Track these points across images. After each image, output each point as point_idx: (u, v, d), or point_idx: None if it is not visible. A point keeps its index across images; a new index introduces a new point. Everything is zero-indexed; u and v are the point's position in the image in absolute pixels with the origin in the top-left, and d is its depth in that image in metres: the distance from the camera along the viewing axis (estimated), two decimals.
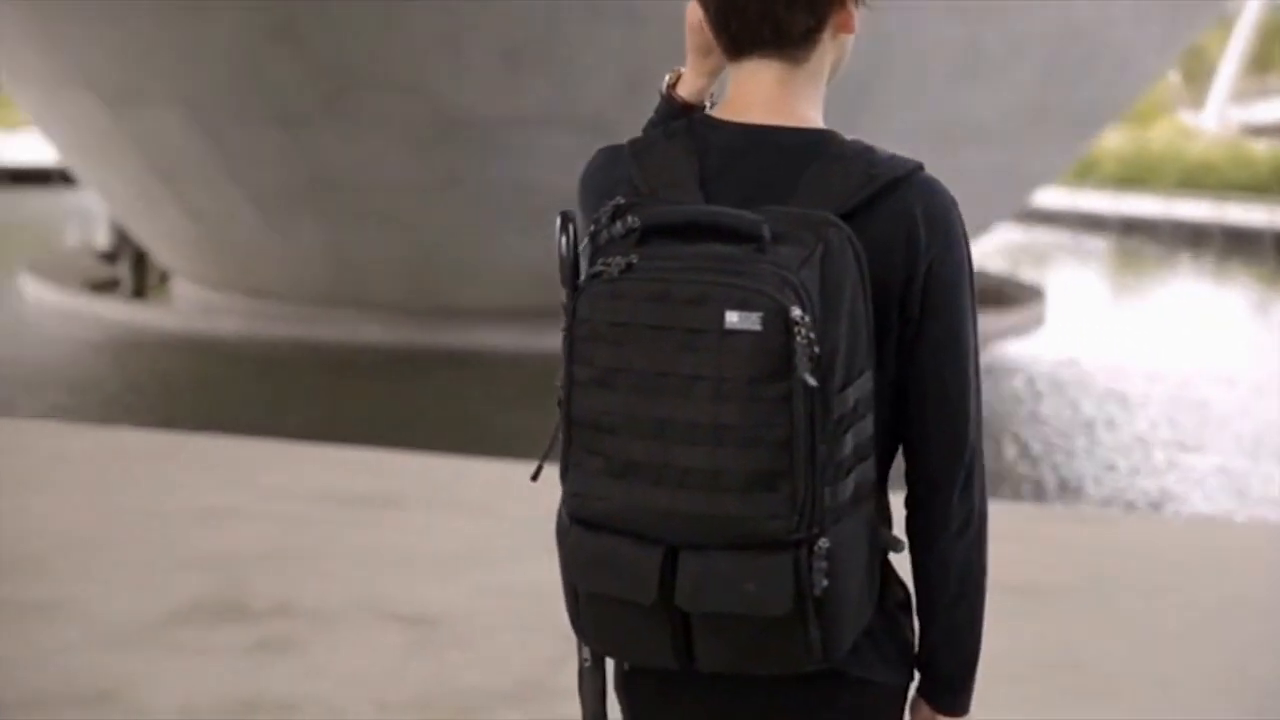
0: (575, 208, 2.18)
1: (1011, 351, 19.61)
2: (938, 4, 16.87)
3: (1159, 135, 47.32)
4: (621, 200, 2.05)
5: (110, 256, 22.48)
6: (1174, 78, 53.73)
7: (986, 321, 20.52)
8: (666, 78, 2.32)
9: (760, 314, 1.89)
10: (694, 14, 2.22)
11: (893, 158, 2.10)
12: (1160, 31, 19.82)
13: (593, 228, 2.04)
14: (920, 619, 2.21)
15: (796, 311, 1.88)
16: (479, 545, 7.15)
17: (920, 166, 2.11)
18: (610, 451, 1.99)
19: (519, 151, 16.45)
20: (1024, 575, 6.93)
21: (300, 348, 17.23)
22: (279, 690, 5.40)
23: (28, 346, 17.96)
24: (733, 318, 1.89)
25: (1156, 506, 12.67)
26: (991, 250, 27.22)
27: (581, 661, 2.20)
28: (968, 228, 2.25)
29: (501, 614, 6.24)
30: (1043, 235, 35.22)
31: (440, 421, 13.97)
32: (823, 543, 1.93)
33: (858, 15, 2.19)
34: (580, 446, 2.02)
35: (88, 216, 26.88)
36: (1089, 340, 20.83)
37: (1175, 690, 5.69)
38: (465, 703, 5.32)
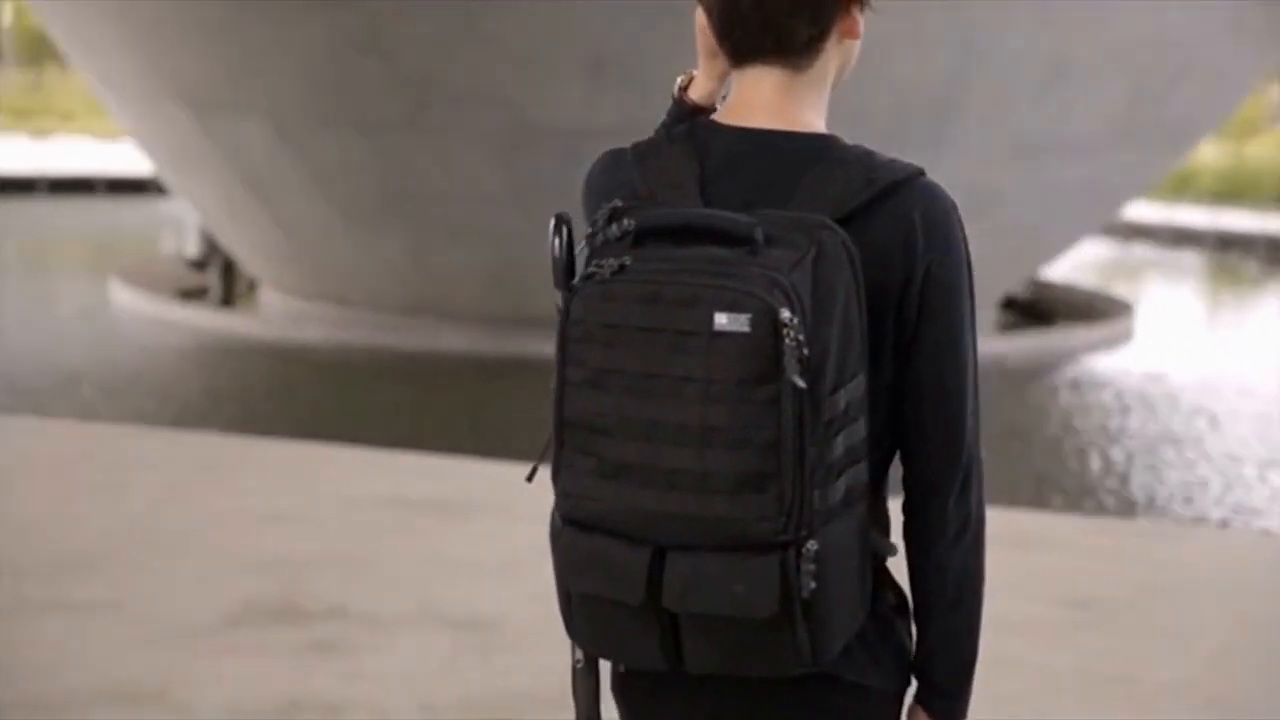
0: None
1: (1099, 366, 19.42)
2: (1025, 16, 16.73)
3: (1258, 150, 46.73)
4: (619, 203, 2.07)
5: (199, 264, 22.74)
6: (1276, 92, 53.12)
7: (1074, 336, 20.41)
8: (679, 80, 2.33)
9: (749, 315, 1.89)
10: (702, 17, 2.22)
11: (893, 162, 2.10)
12: (1257, 44, 19.55)
13: (590, 230, 2.05)
14: (917, 624, 2.21)
15: (785, 313, 1.89)
16: (541, 551, 7.13)
17: (921, 171, 2.12)
18: (603, 452, 2.00)
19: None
20: (1083, 589, 6.85)
21: (383, 355, 17.33)
22: (325, 691, 5.42)
23: (114, 352, 18.17)
24: (721, 319, 1.90)
25: (1246, 524, 12.49)
26: (1080, 264, 26.97)
27: (574, 663, 2.21)
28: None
29: (555, 619, 6.22)
30: (1137, 250, 34.86)
31: (518, 428, 14.01)
32: (811, 545, 1.93)
33: (863, 20, 2.20)
34: (573, 447, 2.03)
35: (181, 225, 27.23)
36: (1179, 355, 20.57)
37: (1230, 706, 5.60)
38: (509, 706, 5.32)
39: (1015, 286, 21.22)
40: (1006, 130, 17.52)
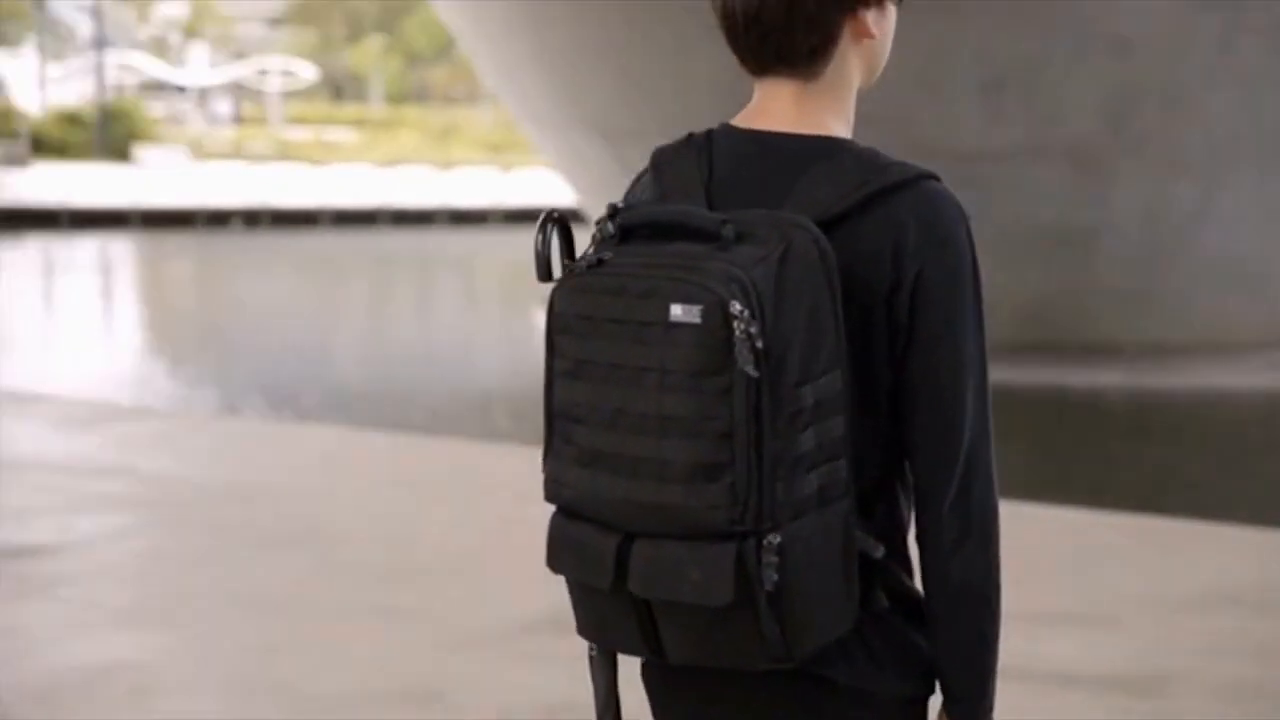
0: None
1: None
2: None
3: None
4: (618, 204, 2.14)
5: None
6: None
7: None
8: None
9: (700, 307, 1.92)
10: None
11: (897, 165, 2.09)
12: None
13: (595, 229, 2.13)
14: (928, 629, 2.18)
15: (736, 305, 1.91)
16: None
17: (929, 175, 2.11)
18: (580, 441, 2.06)
19: (999, 184, 16.19)
20: None
21: None
22: (590, 700, 5.58)
23: (528, 377, 18.82)
24: (676, 311, 1.94)
25: None
26: None
27: (590, 649, 2.25)
28: None
29: None
30: None
31: None
32: (773, 538, 1.94)
33: (888, 15, 2.20)
34: (559, 435, 2.10)
35: None
36: None
37: None
38: None
39: None
40: None
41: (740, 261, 1.95)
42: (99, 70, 69.71)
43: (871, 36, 2.17)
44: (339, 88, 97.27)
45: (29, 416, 11.91)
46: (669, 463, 1.96)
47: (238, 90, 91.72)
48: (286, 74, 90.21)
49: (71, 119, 68.66)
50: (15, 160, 56.35)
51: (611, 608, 2.09)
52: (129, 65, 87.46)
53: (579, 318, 2.04)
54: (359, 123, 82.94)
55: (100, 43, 72.68)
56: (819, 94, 2.17)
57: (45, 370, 19.50)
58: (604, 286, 2.02)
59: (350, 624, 6.50)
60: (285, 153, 71.25)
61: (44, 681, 5.67)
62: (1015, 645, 6.16)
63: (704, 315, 1.92)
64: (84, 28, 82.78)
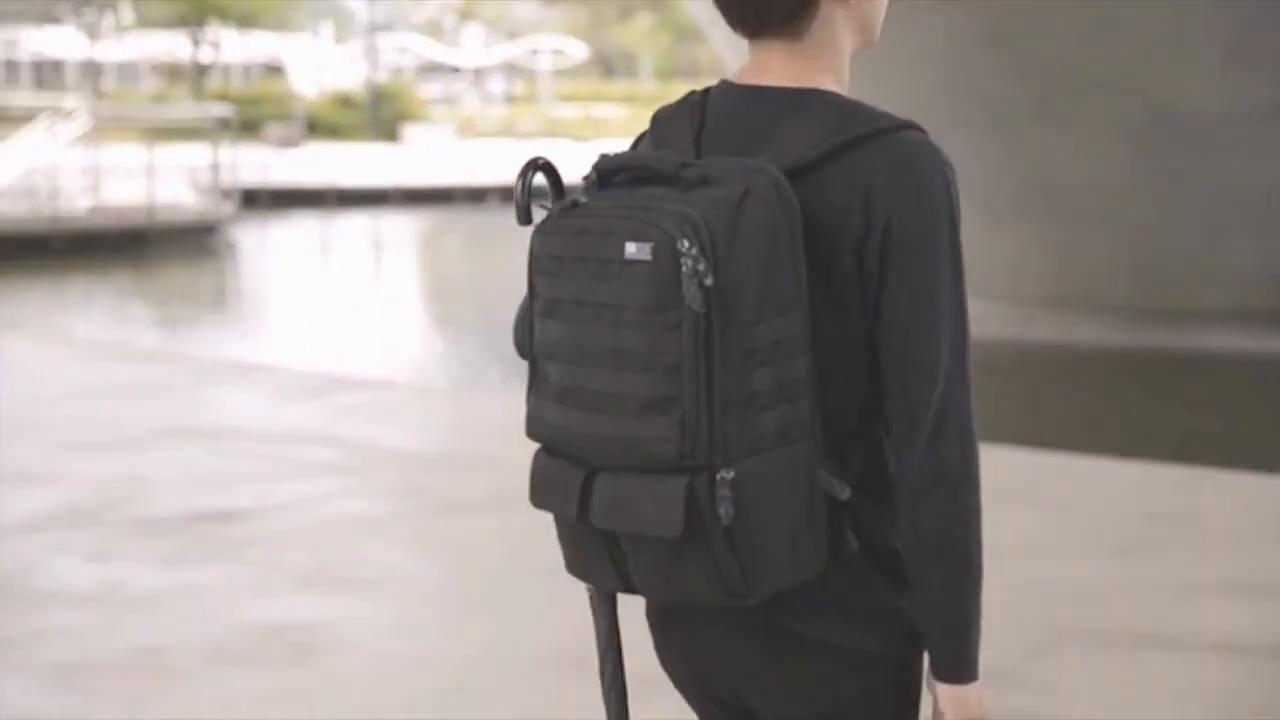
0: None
1: None
2: None
3: None
4: (604, 154, 2.19)
5: None
6: None
7: None
8: None
9: (651, 245, 1.98)
10: None
11: (879, 116, 2.11)
12: None
13: (584, 178, 2.20)
14: (910, 583, 2.17)
15: (684, 243, 1.96)
16: (1033, 538, 7.18)
17: (908, 125, 2.12)
18: (553, 378, 2.13)
19: (1244, 149, 15.71)
20: None
21: (1019, 349, 17.19)
22: None
23: None
24: (630, 248, 2.00)
25: None
26: None
27: (588, 589, 2.29)
28: None
29: (990, 605, 6.17)
30: None
31: (1147, 424, 13.68)
32: (726, 473, 1.98)
33: None
34: (539, 373, 2.17)
35: None
36: None
37: None
38: None
39: None
40: None
41: (698, 203, 2.00)
42: (371, 53, 71.54)
43: None
44: (609, 65, 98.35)
45: (251, 387, 12.34)
46: (624, 396, 2.02)
47: (510, 70, 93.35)
48: (558, 52, 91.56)
49: (344, 101, 70.69)
50: (288, 142, 58.32)
51: (585, 542, 2.14)
52: (406, 48, 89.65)
53: (550, 258, 2.11)
54: (628, 99, 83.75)
55: (375, 26, 74.58)
56: (806, 55, 2.20)
57: (282, 342, 20.13)
58: (572, 228, 2.09)
59: (523, 589, 6.58)
60: (554, 130, 72.35)
61: (213, 639, 5.88)
62: (1181, 612, 6.07)
63: (654, 252, 1.97)
64: (364, 12, 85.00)
